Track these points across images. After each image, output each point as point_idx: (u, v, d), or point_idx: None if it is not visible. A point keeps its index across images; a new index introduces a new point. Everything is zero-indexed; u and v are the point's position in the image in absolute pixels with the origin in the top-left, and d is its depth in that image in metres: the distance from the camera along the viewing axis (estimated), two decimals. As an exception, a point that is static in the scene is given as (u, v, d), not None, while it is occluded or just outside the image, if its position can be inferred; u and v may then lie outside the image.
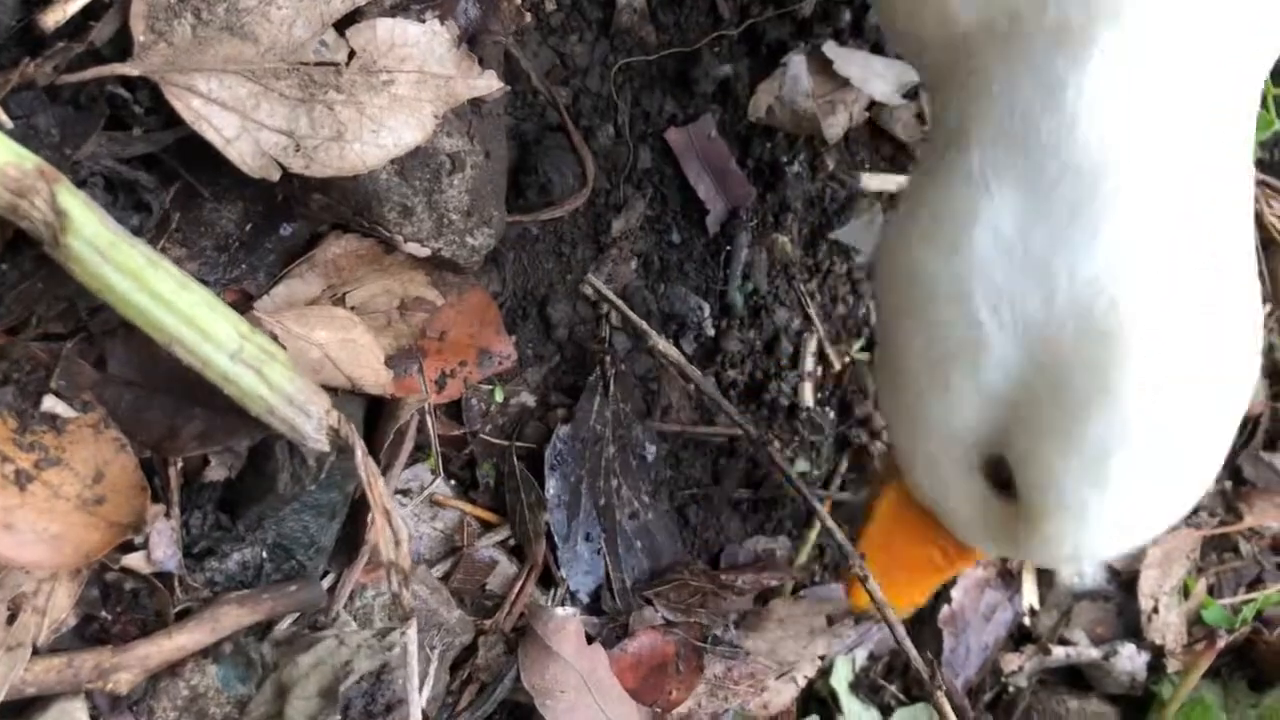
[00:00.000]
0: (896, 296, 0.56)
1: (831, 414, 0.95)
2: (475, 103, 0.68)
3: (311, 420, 0.57)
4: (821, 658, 0.88)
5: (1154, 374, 0.48)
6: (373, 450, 0.63)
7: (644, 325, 0.73)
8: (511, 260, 0.79)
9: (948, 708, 0.71)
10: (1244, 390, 0.52)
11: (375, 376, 0.67)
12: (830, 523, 0.76)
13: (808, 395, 0.93)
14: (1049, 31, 0.51)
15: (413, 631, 0.59)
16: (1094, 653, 0.96)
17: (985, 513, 0.58)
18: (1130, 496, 0.51)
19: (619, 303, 0.72)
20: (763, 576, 0.86)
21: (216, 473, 0.62)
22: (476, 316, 0.76)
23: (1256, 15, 0.52)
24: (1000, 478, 0.55)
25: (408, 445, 0.72)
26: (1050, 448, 0.51)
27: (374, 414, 0.71)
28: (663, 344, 0.72)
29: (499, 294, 0.78)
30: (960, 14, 0.54)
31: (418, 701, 0.60)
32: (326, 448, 0.58)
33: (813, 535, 0.93)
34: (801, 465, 0.93)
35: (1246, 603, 1.02)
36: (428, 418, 0.73)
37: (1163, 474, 0.51)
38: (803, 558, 0.92)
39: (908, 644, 0.73)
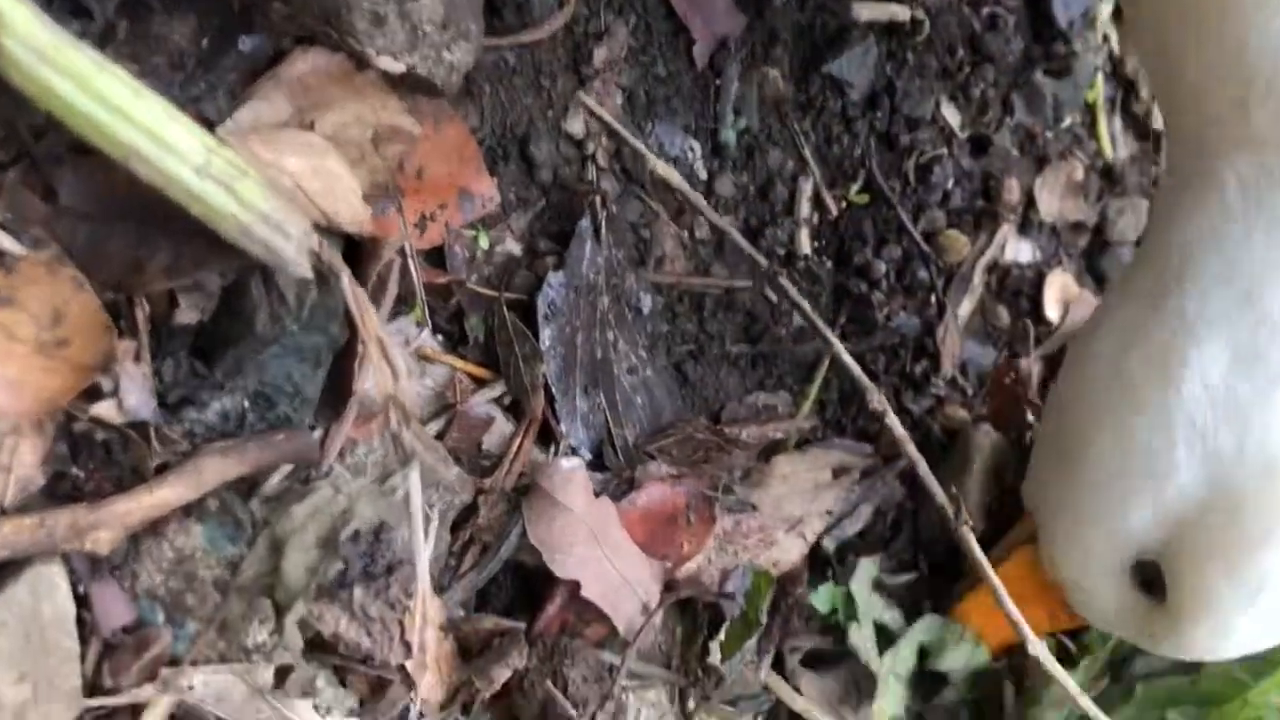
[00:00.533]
0: (1097, 395, 0.62)
1: (829, 263, 0.91)
2: (447, -97, 0.61)
3: (291, 241, 0.51)
4: (829, 512, 0.84)
5: None
6: (356, 290, 0.58)
7: (641, 147, 0.67)
8: (488, 93, 0.73)
9: (973, 544, 0.68)
10: None
11: (353, 212, 0.62)
12: (856, 369, 0.72)
13: (805, 243, 0.88)
14: None
15: (415, 475, 0.55)
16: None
17: (1120, 605, 0.65)
18: (1271, 623, 0.59)
19: (614, 123, 0.67)
20: (767, 428, 0.82)
21: (188, 315, 0.57)
22: (455, 153, 0.70)
23: None
24: (1145, 579, 0.63)
25: (391, 291, 0.66)
26: (1214, 569, 0.58)
27: (352, 258, 0.65)
28: (662, 167, 0.67)
29: (477, 129, 0.72)
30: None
31: (424, 553, 0.56)
32: (309, 273, 0.52)
33: (814, 390, 0.89)
34: (799, 320, 0.89)
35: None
36: (410, 262, 0.68)
37: None
38: (805, 410, 0.87)
39: (931, 480, 0.70)
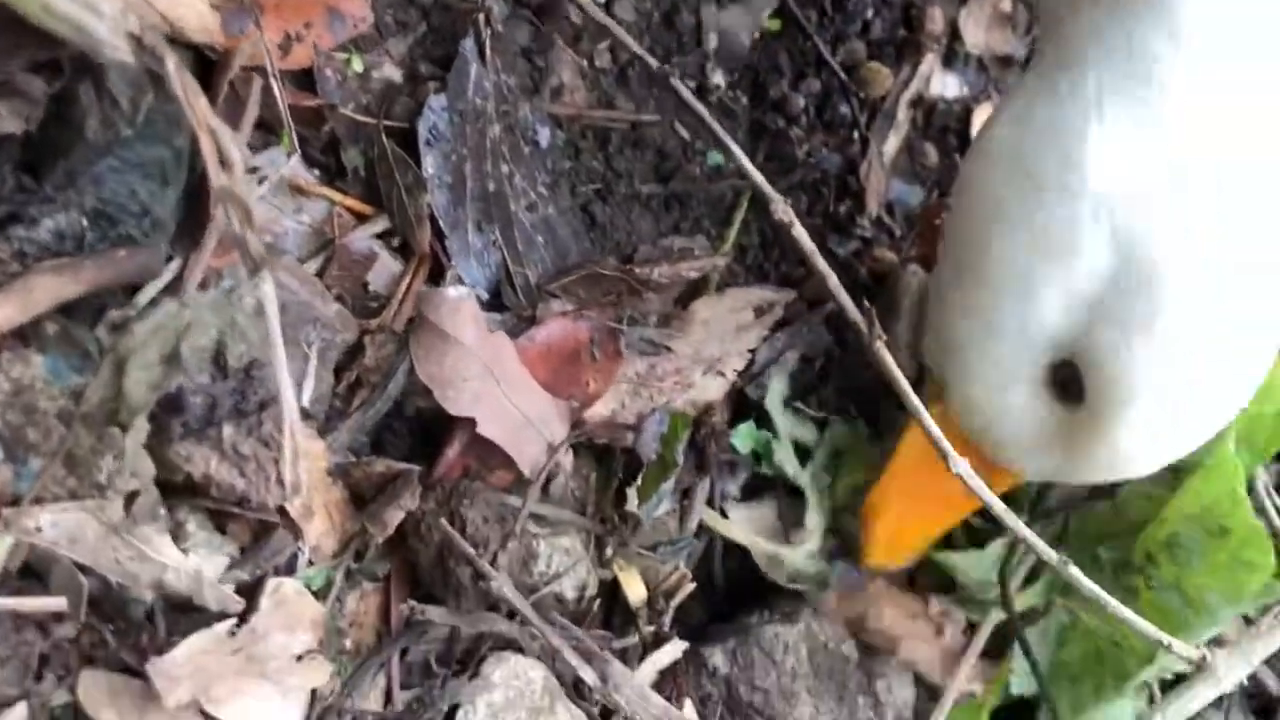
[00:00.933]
0: (997, 185, 0.57)
1: (744, 98, 0.86)
2: None
3: (104, 21, 0.46)
4: (750, 351, 0.80)
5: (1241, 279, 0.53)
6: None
7: None
8: (356, -95, 0.67)
9: (890, 363, 0.64)
10: None
11: (199, 18, 0.57)
12: (758, 176, 0.68)
13: (716, 76, 0.84)
14: None
15: (268, 287, 0.50)
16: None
17: (1040, 423, 0.60)
18: (1194, 386, 0.55)
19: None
20: (681, 268, 0.78)
21: (10, 124, 0.51)
22: (319, -34, 0.65)
23: None
24: (1062, 382, 0.58)
25: (251, 112, 0.61)
26: (1132, 346, 0.54)
27: (204, 77, 0.60)
28: None
29: (345, -60, 0.67)
30: None
31: (284, 371, 0.51)
32: (129, 57, 0.47)
33: (733, 232, 0.85)
34: (715, 157, 0.84)
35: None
36: (273, 82, 0.63)
37: (1233, 371, 0.56)
38: (725, 249, 0.83)
39: (843, 295, 0.66)
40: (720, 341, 0.79)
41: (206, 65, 0.61)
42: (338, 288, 0.67)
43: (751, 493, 0.78)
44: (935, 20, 0.91)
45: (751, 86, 0.86)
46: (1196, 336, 0.54)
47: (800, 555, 0.78)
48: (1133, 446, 0.57)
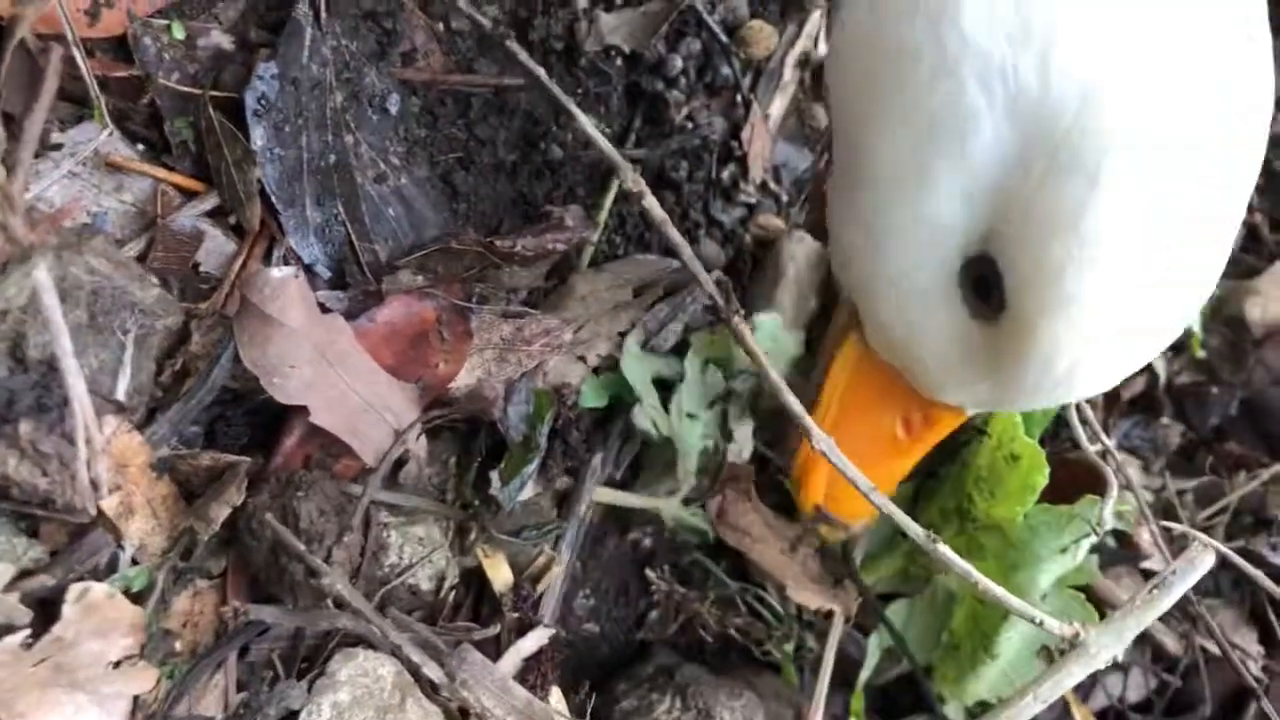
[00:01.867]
0: (867, 85, 0.49)
1: (618, 60, 0.82)
2: None
3: None
4: (622, 334, 0.77)
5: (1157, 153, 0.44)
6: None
7: None
8: None
9: (747, 336, 0.61)
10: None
11: (-24, -17, 0.52)
12: (605, 145, 0.64)
13: (586, 36, 0.80)
14: None
15: (41, 274, 0.46)
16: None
17: (966, 345, 0.53)
18: (1130, 288, 0.46)
19: None
20: (546, 239, 0.74)
21: None
22: (127, -76, 0.60)
23: None
24: (983, 289, 0.50)
25: (50, 83, 0.57)
26: (1046, 231, 0.45)
27: (-2, 47, 0.56)
28: None
29: (155, -103, 0.62)
30: None
31: (73, 364, 0.48)
32: None
33: (608, 200, 0.81)
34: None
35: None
36: (75, 51, 0.59)
37: (1165, 262, 0.46)
38: (600, 220, 0.80)
39: (695, 264, 0.63)
40: (596, 320, 0.76)
41: None
42: (163, 269, 0.63)
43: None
44: None
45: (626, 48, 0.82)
46: (1134, 235, 0.45)
47: (674, 505, 0.76)
48: (1067, 362, 0.48)
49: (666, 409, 0.76)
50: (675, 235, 0.62)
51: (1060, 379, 0.50)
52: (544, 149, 0.79)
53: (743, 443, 0.82)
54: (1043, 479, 0.65)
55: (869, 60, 0.49)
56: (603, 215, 0.81)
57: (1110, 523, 0.66)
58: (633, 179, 0.61)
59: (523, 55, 0.63)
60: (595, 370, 0.76)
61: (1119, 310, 0.47)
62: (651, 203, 0.62)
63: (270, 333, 0.60)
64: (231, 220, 0.66)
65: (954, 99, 0.46)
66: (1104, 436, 0.75)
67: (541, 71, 0.63)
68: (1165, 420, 1.05)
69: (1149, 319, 0.49)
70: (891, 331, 0.57)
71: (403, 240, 0.71)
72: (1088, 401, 0.83)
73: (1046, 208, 0.45)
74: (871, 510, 0.62)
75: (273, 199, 0.64)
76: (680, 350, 0.80)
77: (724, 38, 0.85)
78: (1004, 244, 0.48)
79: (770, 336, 0.77)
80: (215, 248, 0.64)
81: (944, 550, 0.63)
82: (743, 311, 0.62)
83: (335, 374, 0.62)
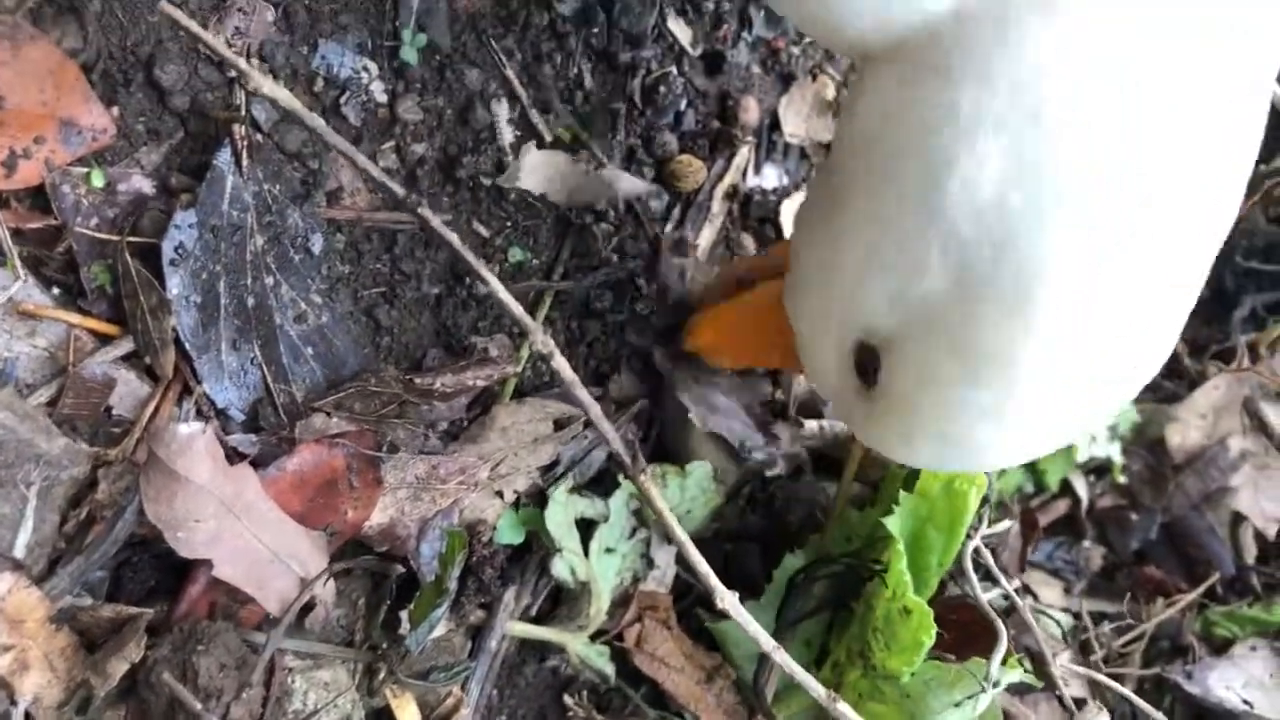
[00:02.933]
0: (864, 153, 0.53)
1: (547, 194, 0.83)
2: None
3: None
4: (544, 469, 0.78)
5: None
6: None
7: (242, 64, 0.58)
8: (98, 10, 0.64)
9: (656, 498, 0.62)
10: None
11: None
12: (514, 306, 0.65)
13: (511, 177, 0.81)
14: None
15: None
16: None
17: (838, 378, 0.58)
18: (975, 419, 0.51)
19: (202, 33, 0.57)
20: (465, 376, 0.75)
21: None
22: (48, 80, 0.61)
23: None
24: (861, 361, 0.55)
25: (-40, 240, 0.58)
26: (936, 353, 0.51)
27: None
28: (266, 85, 0.58)
29: (79, 51, 0.63)
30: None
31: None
32: None
33: (538, 333, 0.82)
34: (517, 254, 0.82)
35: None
36: (-11, 206, 0.59)
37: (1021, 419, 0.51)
38: (524, 353, 0.81)
39: (606, 426, 0.64)
40: (515, 453, 0.77)
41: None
42: (73, 415, 0.63)
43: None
44: (750, 110, 0.89)
45: (555, 182, 0.83)
46: (1037, 391, 0.50)
47: (581, 641, 0.77)
48: (925, 447, 0.55)
49: (587, 547, 0.76)
50: (584, 396, 0.63)
51: (918, 456, 0.56)
52: (469, 282, 0.80)
53: (665, 568, 0.83)
54: (929, 638, 0.66)
55: (870, 138, 0.52)
56: (526, 348, 0.81)
57: (1001, 679, 0.67)
58: (541, 340, 0.62)
59: (435, 221, 0.64)
60: (517, 502, 0.77)
61: (961, 431, 0.53)
62: (561, 363, 0.62)
63: (176, 488, 0.60)
64: (146, 361, 0.66)
65: (918, 243, 0.50)
66: (1004, 580, 0.76)
67: (454, 237, 0.64)
68: (1087, 543, 1.06)
69: (979, 447, 0.53)
70: (803, 347, 0.61)
71: (319, 379, 0.71)
72: (1003, 531, 0.84)
73: (947, 341, 0.50)
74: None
75: (186, 346, 0.65)
76: (604, 479, 0.81)
77: (653, 173, 0.86)
78: (896, 344, 0.53)
79: (699, 484, 0.78)
80: (129, 391, 0.65)
81: (844, 711, 0.63)
82: (646, 470, 0.63)
83: (241, 525, 0.62)
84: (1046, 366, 0.49)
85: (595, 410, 0.63)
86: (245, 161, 0.67)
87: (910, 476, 0.76)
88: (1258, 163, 0.53)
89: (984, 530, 0.76)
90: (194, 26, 0.55)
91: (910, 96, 0.50)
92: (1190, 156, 0.47)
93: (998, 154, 0.47)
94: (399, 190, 0.62)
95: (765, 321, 0.66)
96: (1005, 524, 0.82)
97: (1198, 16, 0.46)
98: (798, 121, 0.93)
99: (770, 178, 0.93)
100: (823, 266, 0.57)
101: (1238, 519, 1.07)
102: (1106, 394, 0.52)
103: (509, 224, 0.81)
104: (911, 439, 0.55)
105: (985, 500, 0.74)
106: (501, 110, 0.80)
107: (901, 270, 0.51)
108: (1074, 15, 0.46)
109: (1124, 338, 0.49)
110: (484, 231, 0.80)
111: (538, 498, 0.78)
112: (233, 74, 0.68)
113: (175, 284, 0.64)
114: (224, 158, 0.66)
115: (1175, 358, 1.11)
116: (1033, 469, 1.03)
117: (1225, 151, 0.49)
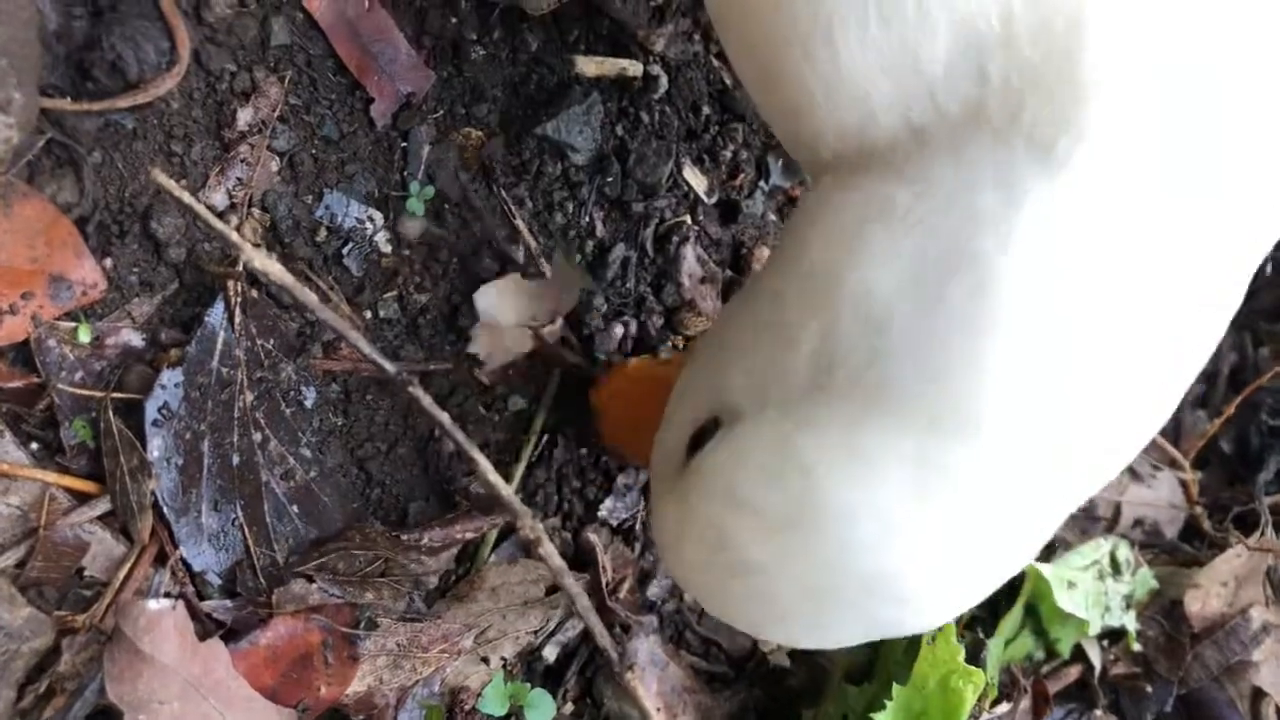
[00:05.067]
0: (779, 260, 0.50)
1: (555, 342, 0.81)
2: (-25, -52, 0.51)
3: None
4: (532, 633, 0.75)
5: None
6: None
7: (234, 237, 0.56)
8: (98, 162, 0.63)
9: (638, 692, 0.59)
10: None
11: None
12: (505, 490, 0.62)
13: (519, 321, 0.79)
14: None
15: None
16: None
17: (674, 455, 0.52)
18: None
19: (195, 204, 0.56)
20: (455, 530, 0.73)
21: None
22: (40, 235, 0.60)
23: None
24: (699, 436, 0.50)
25: (-65, 403, 0.56)
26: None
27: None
28: (258, 259, 0.56)
29: (74, 205, 0.62)
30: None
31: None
32: None
33: (518, 472, 0.80)
34: (517, 401, 0.79)
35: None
36: (-32, 367, 0.57)
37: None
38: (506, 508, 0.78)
39: (594, 620, 0.61)
40: (503, 616, 0.74)
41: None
42: (41, 579, 0.61)
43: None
44: (764, 261, 0.88)
45: (565, 328, 0.81)
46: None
47: None
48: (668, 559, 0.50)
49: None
50: (572, 586, 0.60)
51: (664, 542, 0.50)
52: (471, 430, 0.77)
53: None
54: None
55: (792, 227, 0.50)
56: (520, 495, 0.79)
57: None
58: (530, 525, 0.60)
59: (426, 400, 0.62)
60: (505, 665, 0.74)
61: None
62: (549, 551, 0.60)
63: (141, 668, 0.57)
64: (122, 520, 0.64)
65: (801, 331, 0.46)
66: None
67: (445, 417, 0.62)
68: (1099, 713, 1.02)
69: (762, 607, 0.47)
70: (668, 411, 0.55)
71: (304, 537, 0.69)
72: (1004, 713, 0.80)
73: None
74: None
75: (165, 509, 0.63)
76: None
77: (659, 321, 0.84)
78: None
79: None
80: (103, 551, 0.62)
81: None
82: (633, 666, 0.60)
83: (208, 705, 0.59)
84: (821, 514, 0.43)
85: (583, 602, 0.60)
86: (239, 317, 0.65)
87: (908, 651, 0.73)
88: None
89: (985, 717, 0.73)
90: (186, 197, 0.53)
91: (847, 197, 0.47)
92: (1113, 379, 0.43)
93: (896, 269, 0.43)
94: (390, 367, 0.60)
95: (655, 395, 0.61)
96: (1004, 707, 0.79)
97: (1152, 230, 0.43)
98: (813, 271, 0.91)
99: (783, 328, 0.91)
100: (711, 342, 0.53)
101: (1258, 694, 1.03)
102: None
103: (510, 370, 0.79)
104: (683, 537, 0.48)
105: (983, 695, 0.71)
106: (510, 259, 0.78)
107: (774, 349, 0.47)
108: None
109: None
110: (485, 379, 0.78)
111: (525, 664, 0.75)
112: (232, 222, 0.67)
113: (157, 446, 0.62)
114: (217, 313, 0.65)
115: (1195, 520, 1.08)
116: (1044, 636, 0.99)
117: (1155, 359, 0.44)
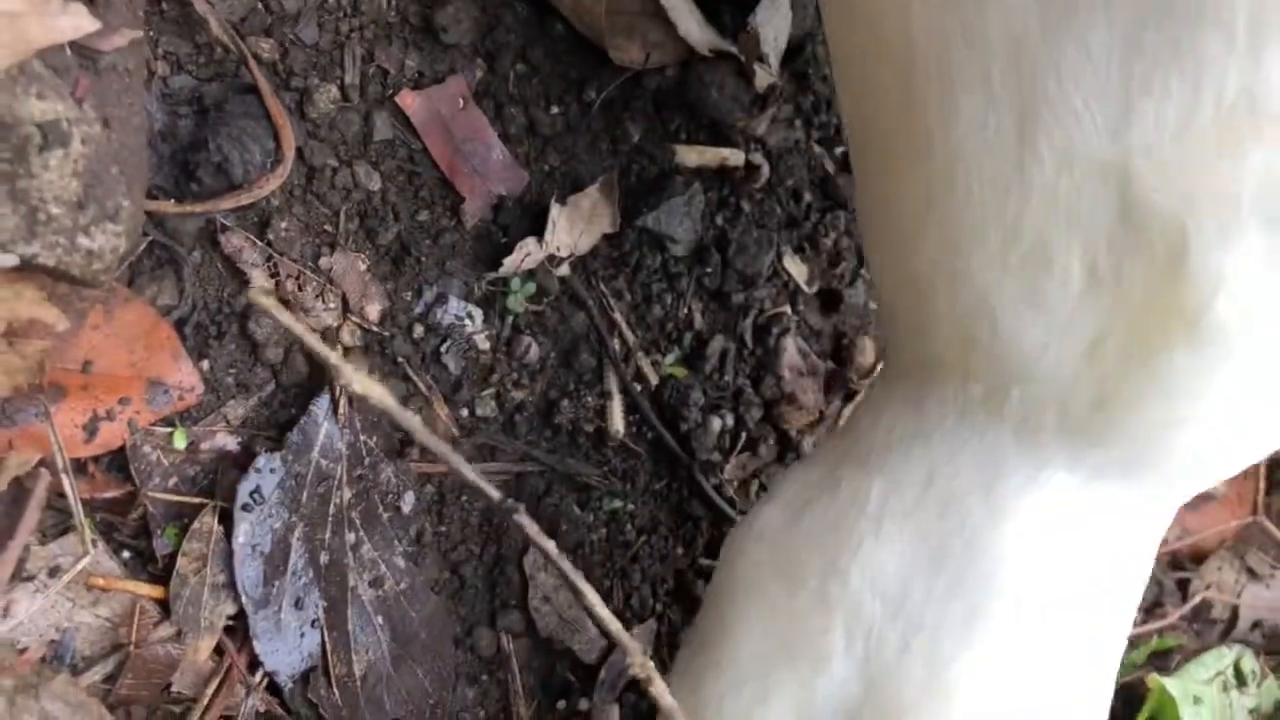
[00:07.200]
0: (752, 571, 0.53)
1: (649, 435, 0.78)
2: (87, 54, 0.49)
3: None
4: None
5: None
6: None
7: (334, 359, 0.54)
8: (197, 263, 0.61)
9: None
10: None
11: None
12: (613, 624, 0.59)
13: (617, 417, 0.76)
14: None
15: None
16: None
17: None
18: None
19: (294, 325, 0.53)
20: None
21: None
22: (139, 340, 0.58)
23: None
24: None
25: (31, 516, 0.54)
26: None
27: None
28: (358, 382, 0.53)
29: (173, 308, 0.60)
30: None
31: None
32: None
33: (637, 654, 0.76)
34: (612, 502, 0.76)
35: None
36: (64, 477, 0.55)
37: None
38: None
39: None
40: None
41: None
42: (131, 697, 0.58)
43: None
44: (866, 353, 0.84)
45: (664, 424, 0.78)
46: None
47: None
48: None
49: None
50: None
51: None
52: (566, 530, 0.74)
53: None
54: None
55: (758, 566, 0.52)
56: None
57: None
58: (640, 663, 0.56)
59: (532, 529, 0.58)
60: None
61: None
62: (660, 689, 0.56)
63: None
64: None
65: (820, 630, 0.48)
66: None
67: (551, 545, 0.58)
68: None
69: None
70: None
71: (385, 652, 0.65)
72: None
73: None
74: None
75: (244, 600, 0.60)
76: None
77: (757, 414, 0.81)
78: None
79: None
80: (189, 668, 0.60)
81: None
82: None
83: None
84: None
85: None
86: (344, 409, 0.63)
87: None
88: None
89: None
90: (285, 317, 0.51)
91: (819, 490, 0.52)
92: None
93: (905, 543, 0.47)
94: (494, 494, 0.57)
95: None
96: None
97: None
98: (916, 362, 0.88)
99: (885, 421, 0.87)
100: (711, 692, 0.55)
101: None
102: None
103: (606, 468, 0.76)
104: None
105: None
106: (607, 353, 0.75)
107: (808, 664, 0.49)
108: None
109: None
110: (590, 477, 0.75)
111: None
112: (330, 322, 0.65)
113: (244, 531, 0.60)
114: (322, 404, 0.63)
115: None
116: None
117: None
